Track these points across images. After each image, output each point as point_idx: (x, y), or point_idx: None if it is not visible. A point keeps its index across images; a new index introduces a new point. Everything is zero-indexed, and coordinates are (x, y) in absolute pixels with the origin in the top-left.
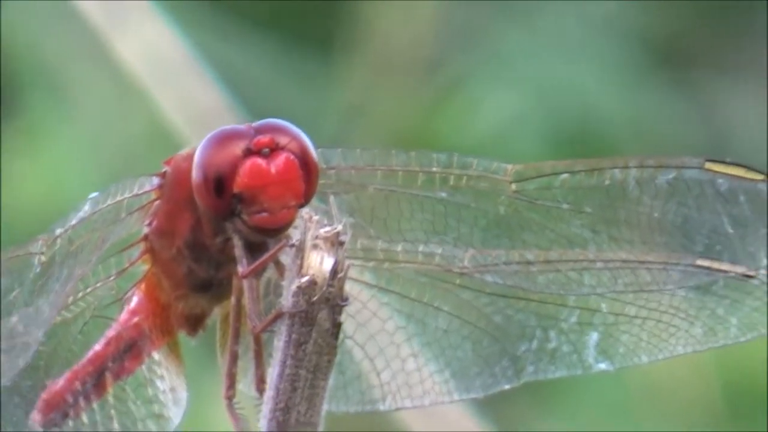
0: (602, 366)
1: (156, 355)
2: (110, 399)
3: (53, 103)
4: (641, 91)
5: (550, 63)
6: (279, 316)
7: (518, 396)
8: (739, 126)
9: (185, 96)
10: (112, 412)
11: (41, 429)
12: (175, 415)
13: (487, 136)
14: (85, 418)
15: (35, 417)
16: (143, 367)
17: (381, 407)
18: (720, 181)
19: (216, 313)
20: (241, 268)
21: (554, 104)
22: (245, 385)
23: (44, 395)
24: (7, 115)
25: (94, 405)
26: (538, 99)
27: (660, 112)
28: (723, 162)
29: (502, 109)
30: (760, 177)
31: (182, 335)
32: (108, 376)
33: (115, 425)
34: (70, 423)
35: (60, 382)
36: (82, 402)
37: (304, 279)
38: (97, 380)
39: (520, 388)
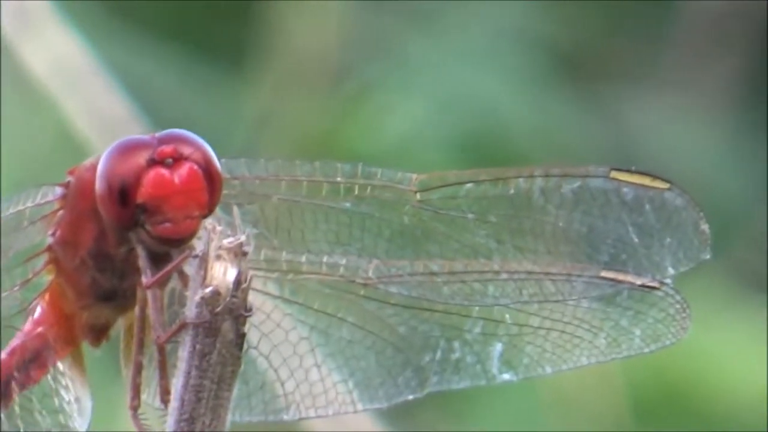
0: (506, 377)
1: (60, 365)
2: (17, 409)
3: None
4: (546, 100)
5: (457, 72)
6: (183, 326)
7: (427, 404)
8: (643, 136)
9: (92, 105)
10: (19, 422)
11: None
12: (80, 425)
13: (395, 144)
14: None
15: None
16: (48, 377)
17: (285, 417)
18: (625, 190)
19: (120, 324)
20: (145, 279)
21: (460, 113)
22: (150, 396)
23: None
24: None
25: (1, 415)
26: (444, 107)
27: (565, 121)
28: (628, 171)
29: (409, 117)
30: (665, 186)
31: (86, 345)
32: (14, 385)
33: None
34: None
35: None
36: None
37: (208, 289)
38: (2, 390)
39: (429, 396)
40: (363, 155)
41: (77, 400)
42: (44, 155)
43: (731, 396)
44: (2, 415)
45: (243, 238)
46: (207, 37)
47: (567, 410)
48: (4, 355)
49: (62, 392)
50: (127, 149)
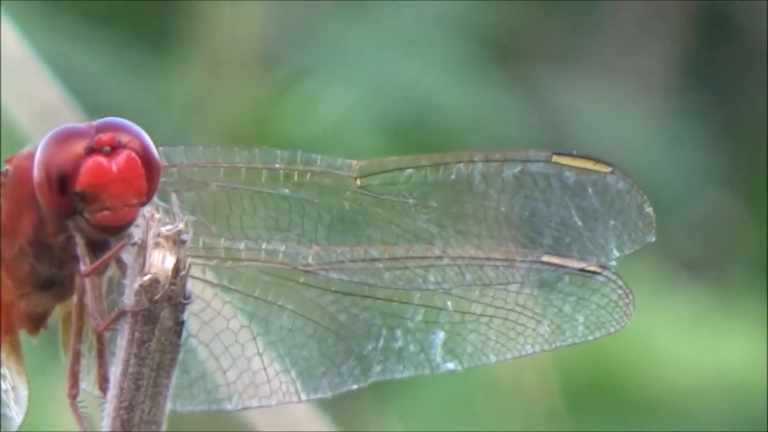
0: (450, 366)
1: None
2: None
3: None
4: (478, 86)
5: (388, 59)
6: (121, 314)
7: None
8: (574, 121)
9: (23, 92)
10: None
11: None
12: (17, 414)
13: (325, 131)
14: None
15: None
16: None
17: (228, 407)
18: (567, 174)
19: (58, 312)
20: (83, 267)
21: (392, 99)
22: (89, 384)
23: None
24: None
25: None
26: (376, 94)
27: (497, 107)
28: (570, 155)
29: (339, 105)
30: (608, 169)
31: (23, 334)
32: None
33: None
34: None
35: None
36: None
37: (146, 277)
38: None
39: (365, 386)
40: (294, 142)
41: (14, 388)
42: None
43: (664, 382)
44: None
45: (181, 225)
46: (136, 23)
47: (500, 397)
48: None
49: None
50: (65, 137)
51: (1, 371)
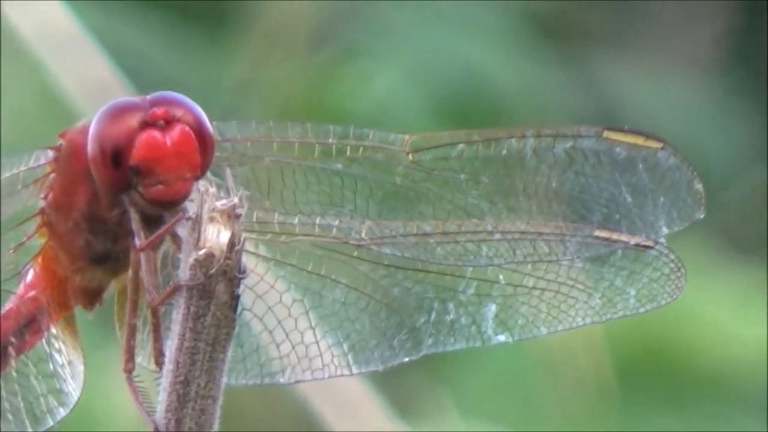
0: (501, 338)
1: (54, 329)
2: (14, 374)
3: None
4: (528, 63)
5: (438, 36)
6: (177, 289)
7: (413, 369)
8: (624, 100)
9: (76, 69)
10: (16, 387)
11: None
12: (74, 389)
13: (376, 109)
14: None
15: None
16: (43, 341)
17: (281, 380)
18: (618, 149)
19: (113, 287)
20: (138, 241)
21: (441, 77)
22: (144, 359)
23: None
24: None
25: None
26: (425, 72)
27: (546, 85)
28: (621, 130)
29: (389, 82)
30: (659, 145)
31: (79, 309)
32: (11, 351)
33: (19, 400)
34: None
35: None
36: None
37: (201, 252)
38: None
39: (415, 359)
40: (345, 119)
41: (70, 364)
42: (30, 120)
43: (713, 357)
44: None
45: (236, 200)
46: (189, 3)
47: (551, 373)
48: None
49: (56, 356)
50: (119, 112)
51: (58, 346)
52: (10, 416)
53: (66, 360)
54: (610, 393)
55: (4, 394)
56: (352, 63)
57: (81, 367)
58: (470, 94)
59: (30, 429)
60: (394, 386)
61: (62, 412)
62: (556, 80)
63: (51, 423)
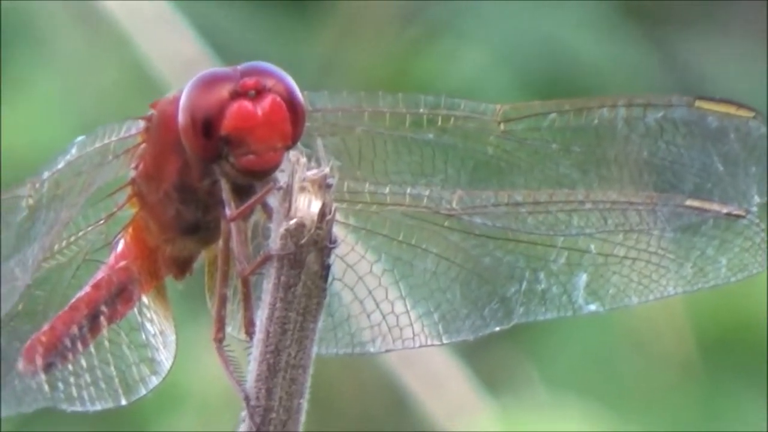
0: (592, 307)
1: (145, 299)
2: (106, 343)
3: (33, 52)
4: (614, 44)
5: (523, 15)
6: (267, 258)
7: (499, 341)
8: (709, 80)
9: (162, 45)
10: (109, 356)
11: (39, 372)
12: (166, 359)
13: (462, 86)
14: (83, 361)
15: (30, 361)
16: (134, 310)
17: (371, 350)
18: (709, 119)
19: (203, 257)
20: (229, 211)
21: (527, 57)
22: (234, 328)
23: (41, 338)
24: None
25: (91, 349)
26: (510, 51)
27: (633, 64)
28: (713, 100)
29: (475, 61)
30: (750, 114)
31: (169, 279)
32: (102, 319)
33: (112, 369)
34: (69, 367)
35: (55, 326)
36: (79, 345)
37: (292, 222)
38: (91, 323)
39: (501, 333)
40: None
41: (162, 333)
42: (117, 94)
43: None
44: (92, 350)
45: (327, 169)
46: None
47: (636, 347)
48: (89, 288)
49: (148, 325)
50: (210, 82)
51: (150, 315)
52: (103, 385)
53: (158, 329)
54: (694, 368)
55: (96, 362)
56: (438, 42)
57: (173, 337)
58: (556, 73)
59: (123, 397)
60: (480, 359)
61: (154, 381)
62: (642, 60)
63: (144, 392)
